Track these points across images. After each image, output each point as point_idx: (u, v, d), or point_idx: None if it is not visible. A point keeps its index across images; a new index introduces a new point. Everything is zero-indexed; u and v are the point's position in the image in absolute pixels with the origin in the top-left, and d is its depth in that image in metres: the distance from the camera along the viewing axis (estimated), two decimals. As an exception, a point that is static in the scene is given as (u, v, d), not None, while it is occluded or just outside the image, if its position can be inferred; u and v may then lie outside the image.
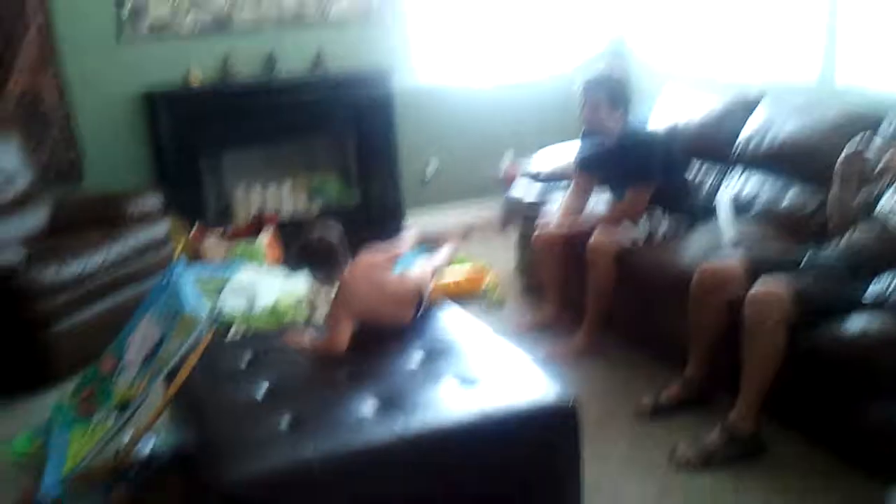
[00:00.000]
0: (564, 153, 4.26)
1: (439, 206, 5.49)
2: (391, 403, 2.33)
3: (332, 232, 2.86)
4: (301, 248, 2.86)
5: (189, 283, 2.93)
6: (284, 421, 2.28)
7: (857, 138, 3.09)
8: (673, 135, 3.96)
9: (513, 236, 4.52)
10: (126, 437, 2.70)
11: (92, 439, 2.66)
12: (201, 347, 2.61)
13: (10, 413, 3.36)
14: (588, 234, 3.56)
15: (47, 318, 3.50)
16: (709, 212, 3.73)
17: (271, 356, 2.71)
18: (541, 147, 4.63)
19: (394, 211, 5.29)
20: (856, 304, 2.72)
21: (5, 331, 3.39)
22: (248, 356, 2.72)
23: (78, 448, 2.67)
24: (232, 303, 3.83)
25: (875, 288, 2.76)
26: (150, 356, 2.72)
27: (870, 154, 3.03)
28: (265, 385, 2.50)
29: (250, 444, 2.19)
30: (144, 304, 2.97)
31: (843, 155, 3.08)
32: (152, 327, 2.83)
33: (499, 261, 4.57)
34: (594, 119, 3.70)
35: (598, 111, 3.67)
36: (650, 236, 3.59)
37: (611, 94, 3.66)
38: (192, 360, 2.57)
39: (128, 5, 4.58)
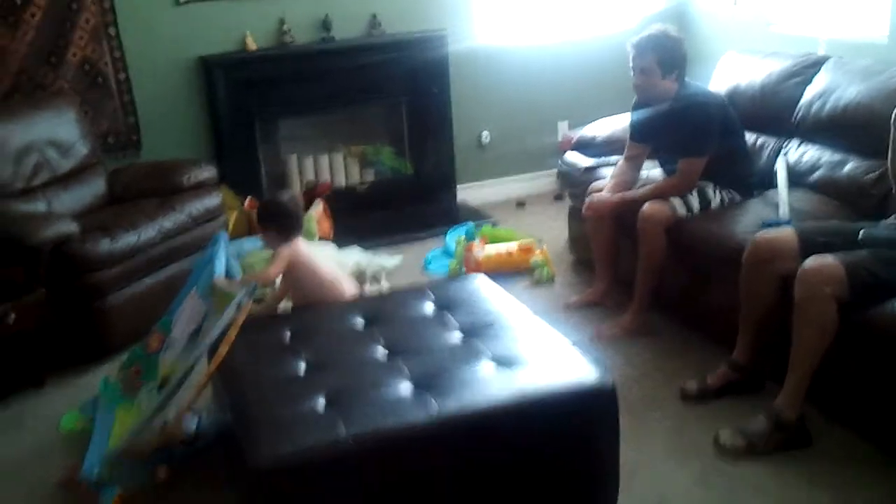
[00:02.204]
0: (619, 122, 4.17)
1: (492, 178, 5.44)
2: (428, 384, 2.33)
3: (285, 198, 3.26)
4: (262, 207, 3.31)
5: (226, 255, 2.96)
6: (321, 400, 2.29)
7: None
8: (730, 101, 3.81)
9: (565, 209, 4.45)
10: (171, 414, 2.75)
11: (136, 417, 2.72)
12: (240, 321, 2.63)
13: (66, 385, 3.44)
14: (639, 205, 3.48)
15: (102, 289, 3.57)
16: (766, 182, 3.61)
17: (312, 332, 2.73)
18: (597, 116, 4.54)
19: (447, 183, 5.26)
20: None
21: (61, 302, 3.46)
22: (289, 331, 2.74)
23: (122, 426, 2.74)
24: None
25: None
26: (195, 332, 2.76)
27: None
28: (304, 362, 2.53)
29: (287, 423, 2.21)
30: (190, 280, 3.01)
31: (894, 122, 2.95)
32: (197, 303, 2.87)
33: (550, 234, 4.52)
34: (645, 84, 3.55)
35: (648, 75, 3.51)
36: (703, 208, 3.48)
37: (662, 56, 3.48)
38: (232, 334, 2.59)
39: (185, -32, 4.59)
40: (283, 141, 5.12)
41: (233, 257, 3.18)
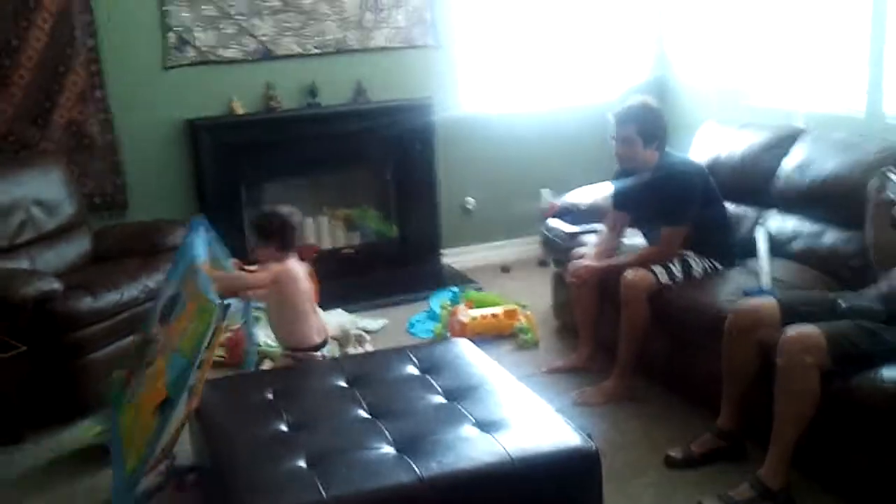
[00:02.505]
0: (601, 190, 4.22)
1: (477, 243, 5.49)
2: (409, 446, 2.33)
3: (286, 211, 3.27)
4: (264, 218, 3.30)
5: (208, 240, 3.04)
6: (302, 461, 2.28)
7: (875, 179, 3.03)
8: (711, 171, 3.87)
9: (549, 274, 4.48)
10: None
11: (131, 414, 2.75)
12: (216, 341, 2.59)
13: (44, 441, 3.40)
14: (622, 273, 3.50)
15: (84, 347, 3.55)
16: (746, 251, 3.66)
17: (295, 391, 2.72)
18: (580, 184, 4.60)
19: (432, 247, 5.29)
20: (895, 353, 2.64)
21: (42, 359, 3.43)
22: (272, 390, 2.73)
23: (126, 425, 2.79)
24: (268, 333, 3.87)
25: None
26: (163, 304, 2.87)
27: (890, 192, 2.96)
28: (285, 421, 2.51)
29: (269, 482, 2.20)
30: (169, 274, 3.06)
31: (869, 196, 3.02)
32: (169, 289, 2.94)
33: (534, 299, 4.55)
34: (627, 153, 3.62)
35: (630, 145, 3.59)
36: (686, 277, 3.51)
37: (643, 127, 3.56)
38: (205, 370, 2.57)
39: (174, 32, 4.65)
40: (269, 203, 5.13)
41: (216, 241, 3.17)
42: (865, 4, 4.05)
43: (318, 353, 3.24)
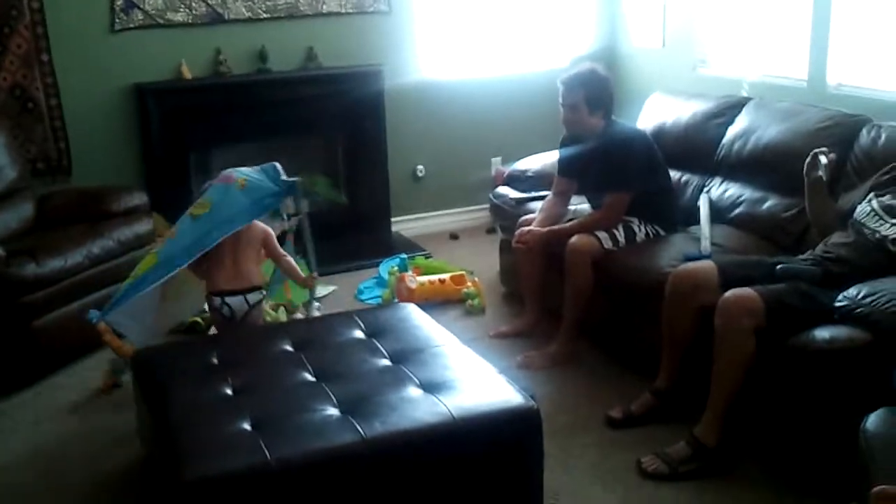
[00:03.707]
0: (550, 157, 4.26)
1: (427, 211, 5.51)
2: (354, 408, 2.35)
3: None
4: None
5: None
6: (247, 424, 2.29)
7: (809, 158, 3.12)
8: (656, 140, 3.93)
9: (498, 242, 4.52)
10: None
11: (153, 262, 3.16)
12: None
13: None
14: (567, 238, 3.55)
15: (29, 313, 3.51)
16: (689, 218, 3.73)
17: (240, 356, 2.73)
18: (530, 152, 4.63)
19: (382, 214, 5.30)
20: (828, 313, 2.72)
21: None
22: (217, 354, 2.74)
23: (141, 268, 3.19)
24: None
25: (847, 296, 2.75)
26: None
27: (823, 160, 3.05)
28: (230, 386, 2.52)
29: (212, 445, 2.21)
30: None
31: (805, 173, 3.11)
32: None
33: (482, 266, 4.58)
34: (573, 120, 3.66)
35: (576, 111, 3.62)
36: (629, 242, 3.57)
37: (589, 94, 3.60)
38: None
39: (122, -6, 4.58)
40: (216, 169, 5.08)
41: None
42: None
43: (219, 300, 3.28)
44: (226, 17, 4.81)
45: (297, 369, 2.62)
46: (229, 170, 3.41)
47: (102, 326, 3.16)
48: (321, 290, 4.33)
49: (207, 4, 4.76)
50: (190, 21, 4.75)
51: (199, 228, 3.21)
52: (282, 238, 3.54)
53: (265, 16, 4.90)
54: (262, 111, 4.91)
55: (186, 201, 4.77)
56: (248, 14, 4.86)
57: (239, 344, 2.87)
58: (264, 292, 3.42)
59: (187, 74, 4.75)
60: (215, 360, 2.70)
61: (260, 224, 3.38)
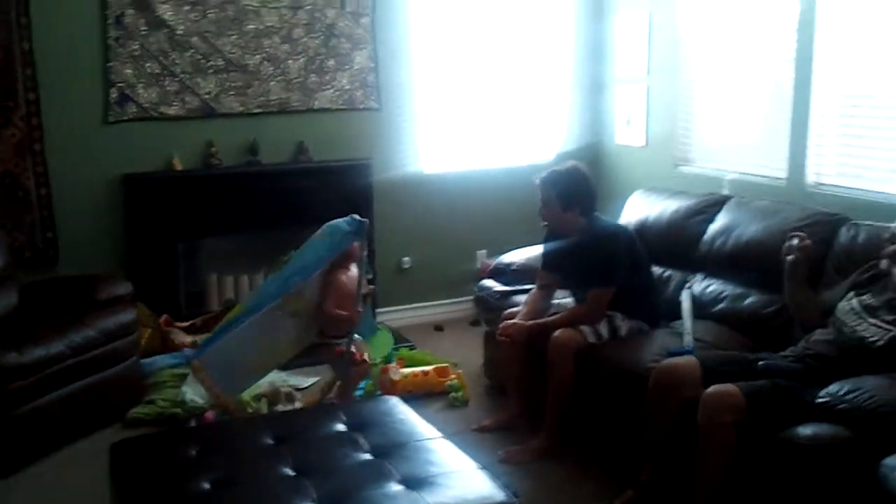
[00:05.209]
0: (535, 251, 4.30)
1: (412, 303, 5.53)
2: (334, 503, 2.31)
3: None
4: None
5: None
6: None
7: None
8: (639, 236, 3.99)
9: (482, 334, 4.53)
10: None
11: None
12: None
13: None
14: (550, 332, 3.57)
15: (11, 402, 3.47)
16: (672, 313, 3.75)
17: (221, 449, 2.70)
18: (516, 245, 4.68)
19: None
20: (810, 409, 2.73)
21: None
22: (197, 447, 2.71)
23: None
24: (196, 391, 3.85)
25: (829, 393, 2.76)
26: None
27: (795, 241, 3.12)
28: (210, 477, 2.49)
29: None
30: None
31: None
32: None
33: (466, 358, 4.59)
34: (548, 216, 3.73)
35: (550, 208, 3.70)
36: (612, 337, 3.59)
37: (563, 191, 3.66)
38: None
39: (116, 88, 4.67)
40: (205, 260, 5.13)
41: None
42: (787, 75, 4.24)
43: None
44: (218, 111, 4.91)
45: (277, 463, 2.58)
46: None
47: (196, 364, 3.33)
48: (304, 382, 4.32)
49: (201, 99, 4.86)
50: (183, 114, 4.85)
51: (280, 276, 3.52)
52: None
53: (257, 110, 5.01)
54: (251, 202, 4.97)
55: (173, 291, 4.84)
56: (240, 108, 4.97)
57: (219, 436, 2.83)
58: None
59: (178, 166, 4.82)
60: (194, 453, 2.67)
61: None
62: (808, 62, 4.11)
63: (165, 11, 4.71)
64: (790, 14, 4.19)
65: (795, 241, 3.14)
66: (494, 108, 5.57)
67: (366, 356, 3.78)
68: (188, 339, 4.47)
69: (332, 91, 5.16)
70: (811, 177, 4.15)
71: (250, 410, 3.77)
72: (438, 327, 5.38)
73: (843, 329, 2.94)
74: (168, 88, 4.79)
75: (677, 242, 4.09)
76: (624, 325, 3.63)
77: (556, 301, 3.93)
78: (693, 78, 4.92)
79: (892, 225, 2.92)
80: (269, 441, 2.76)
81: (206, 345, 3.44)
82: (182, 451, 2.68)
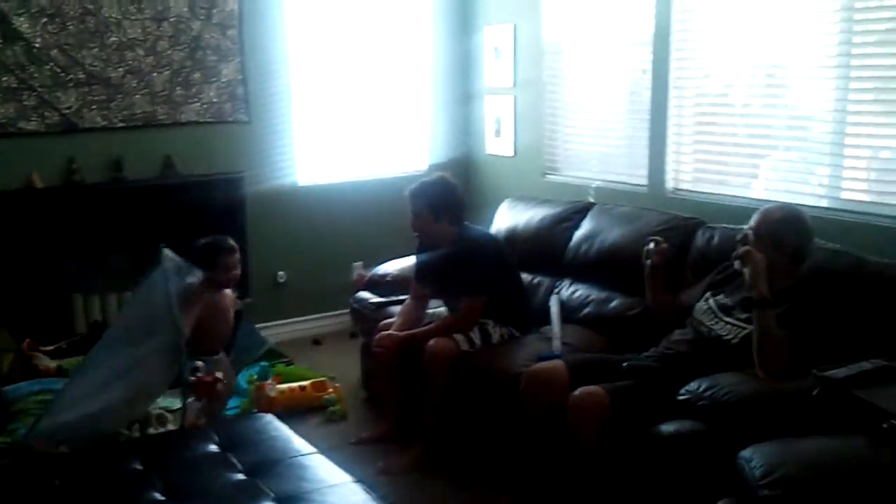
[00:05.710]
0: (409, 262, 4.34)
1: (290, 317, 5.48)
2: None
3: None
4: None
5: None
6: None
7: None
8: (508, 244, 4.09)
9: (359, 346, 4.53)
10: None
11: None
12: None
13: None
14: (425, 342, 3.60)
15: None
16: (542, 318, 3.85)
17: (85, 477, 2.62)
18: (391, 256, 4.70)
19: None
20: (672, 406, 2.85)
21: None
22: (61, 476, 2.61)
23: None
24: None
25: (688, 390, 2.89)
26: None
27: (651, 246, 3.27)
28: (73, 510, 2.41)
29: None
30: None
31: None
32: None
33: (344, 371, 4.58)
34: (420, 227, 3.78)
35: (421, 219, 3.75)
36: (485, 344, 3.66)
37: (433, 202, 3.72)
38: None
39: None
40: (69, 280, 4.93)
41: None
42: (645, 86, 4.43)
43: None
44: (80, 126, 4.76)
45: (144, 490, 2.52)
46: None
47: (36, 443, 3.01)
48: (176, 404, 4.21)
49: (61, 114, 4.70)
50: (42, 130, 4.66)
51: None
52: None
53: (121, 125, 4.87)
54: (117, 220, 4.82)
55: (38, 316, 4.64)
56: (103, 123, 4.81)
57: (82, 466, 2.74)
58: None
59: (39, 184, 4.63)
60: (57, 482, 2.58)
61: None
62: (664, 74, 4.30)
63: (22, 24, 4.52)
64: (646, 27, 4.38)
65: (652, 246, 3.28)
66: (367, 120, 5.59)
67: (218, 375, 3.68)
68: (53, 363, 4.29)
69: (198, 104, 5.07)
70: (670, 183, 4.35)
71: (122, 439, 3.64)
72: (317, 341, 5.35)
73: (700, 328, 3.09)
74: (26, 103, 4.60)
75: (545, 249, 4.20)
76: (496, 332, 3.70)
77: (430, 311, 3.98)
78: (558, 90, 5.06)
79: (744, 227, 3.08)
80: (137, 466, 2.69)
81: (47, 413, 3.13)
82: (44, 483, 2.58)
